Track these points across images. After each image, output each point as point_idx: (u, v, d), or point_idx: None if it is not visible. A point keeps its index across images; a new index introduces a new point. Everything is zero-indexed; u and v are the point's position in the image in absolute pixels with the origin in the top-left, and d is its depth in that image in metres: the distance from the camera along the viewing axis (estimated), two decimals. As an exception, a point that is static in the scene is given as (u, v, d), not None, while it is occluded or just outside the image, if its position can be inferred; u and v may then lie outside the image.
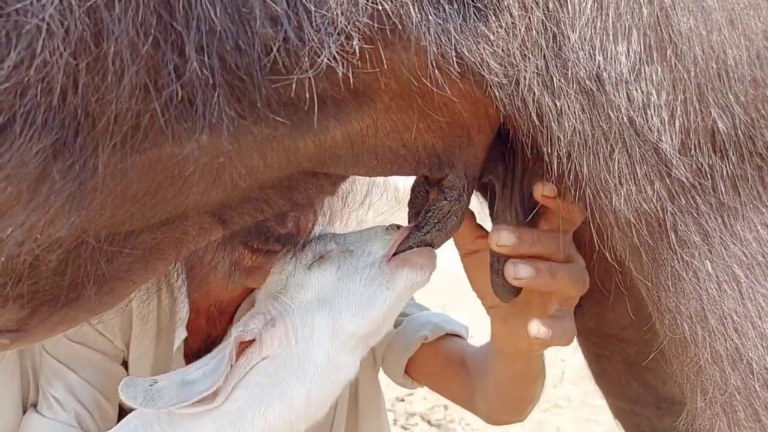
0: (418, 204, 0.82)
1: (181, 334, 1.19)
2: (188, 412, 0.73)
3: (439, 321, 1.30)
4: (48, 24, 0.39)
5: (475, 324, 1.41)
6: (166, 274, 1.16)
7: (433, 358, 1.27)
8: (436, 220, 0.76)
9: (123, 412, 1.23)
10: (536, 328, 0.78)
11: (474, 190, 0.75)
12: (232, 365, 0.73)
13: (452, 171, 0.70)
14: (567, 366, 4.15)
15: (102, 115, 0.43)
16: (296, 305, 0.77)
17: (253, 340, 0.75)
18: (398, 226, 0.81)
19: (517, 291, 0.81)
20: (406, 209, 0.85)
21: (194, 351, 1.24)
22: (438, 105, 0.64)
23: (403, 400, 3.45)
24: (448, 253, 0.87)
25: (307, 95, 0.51)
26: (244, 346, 0.76)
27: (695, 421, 0.72)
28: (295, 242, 1.05)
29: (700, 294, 0.64)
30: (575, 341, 1.23)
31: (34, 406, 1.17)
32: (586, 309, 1.19)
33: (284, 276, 0.80)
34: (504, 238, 0.75)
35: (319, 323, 0.75)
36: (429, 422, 3.28)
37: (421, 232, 0.77)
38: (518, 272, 0.75)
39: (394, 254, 0.79)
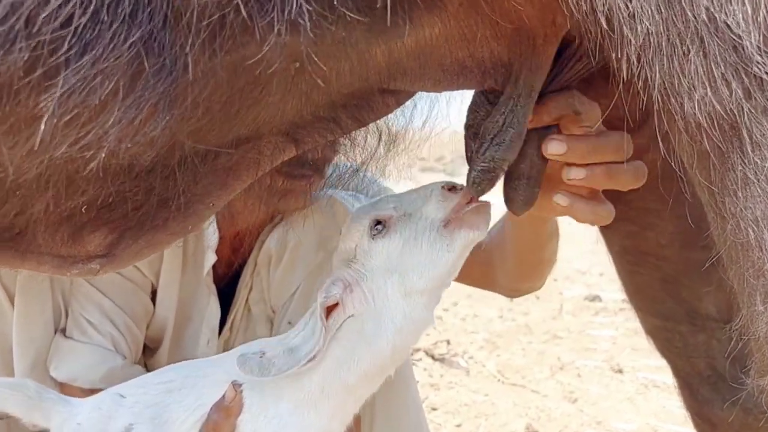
0: (475, 126, 0.78)
1: (210, 258, 1.19)
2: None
3: None
4: None
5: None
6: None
7: None
8: (491, 136, 0.71)
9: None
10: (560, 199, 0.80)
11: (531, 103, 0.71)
12: (325, 329, 0.79)
13: (516, 83, 0.66)
14: (565, 299, 4.19)
15: (186, 9, 0.40)
16: (368, 272, 0.82)
17: (337, 303, 0.81)
18: (453, 186, 0.82)
19: (532, 203, 0.79)
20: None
21: (220, 277, 1.25)
22: (507, 10, 0.60)
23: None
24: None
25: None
26: (329, 310, 0.81)
27: (751, 327, 0.69)
28: (323, 168, 1.06)
29: (770, 197, 0.61)
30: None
31: (63, 331, 1.16)
32: (623, 228, 1.16)
33: (353, 245, 0.83)
34: (553, 148, 0.74)
35: (391, 286, 0.80)
36: (432, 357, 3.29)
37: (479, 153, 0.72)
38: (570, 174, 0.76)
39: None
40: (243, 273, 1.26)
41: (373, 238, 0.81)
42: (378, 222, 0.82)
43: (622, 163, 0.79)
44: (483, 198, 0.81)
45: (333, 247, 1.25)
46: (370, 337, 0.81)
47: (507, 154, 0.72)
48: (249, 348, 0.91)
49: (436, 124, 0.93)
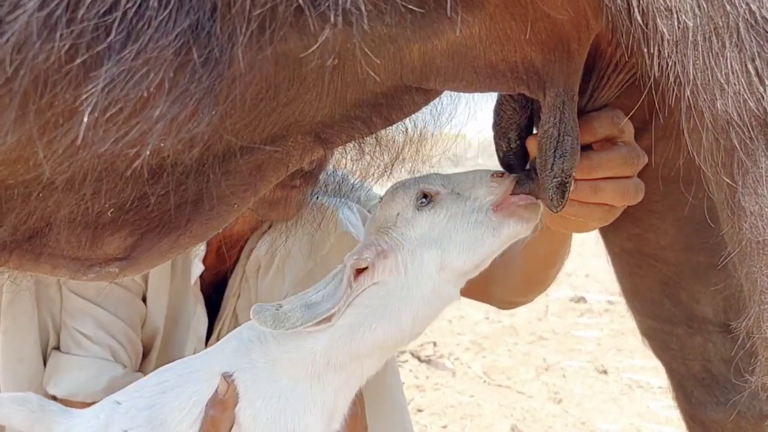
0: (503, 125, 0.77)
1: (197, 267, 1.17)
2: (307, 330, 0.78)
3: None
4: None
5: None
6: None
7: None
8: (552, 150, 0.69)
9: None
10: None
11: (575, 106, 0.69)
12: (350, 288, 0.77)
13: (550, 89, 0.65)
14: (551, 300, 4.21)
15: (237, -5, 0.37)
16: (406, 241, 0.80)
17: (366, 267, 0.78)
18: (502, 173, 0.81)
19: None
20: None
21: (207, 284, 1.23)
22: (542, 14, 0.58)
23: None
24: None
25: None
26: (357, 273, 0.79)
27: (762, 325, 0.69)
28: (315, 177, 1.04)
29: (791, 195, 0.61)
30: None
31: (56, 348, 1.13)
32: (624, 230, 1.16)
33: (394, 213, 0.82)
34: None
35: (428, 259, 0.79)
36: (419, 358, 3.29)
37: (547, 170, 0.70)
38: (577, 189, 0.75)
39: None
40: (231, 281, 1.24)
41: (418, 209, 0.80)
42: (425, 195, 0.80)
43: (630, 177, 0.79)
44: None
45: (322, 256, 1.23)
46: (393, 306, 0.79)
47: (572, 162, 0.70)
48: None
49: (427, 125, 0.92)
